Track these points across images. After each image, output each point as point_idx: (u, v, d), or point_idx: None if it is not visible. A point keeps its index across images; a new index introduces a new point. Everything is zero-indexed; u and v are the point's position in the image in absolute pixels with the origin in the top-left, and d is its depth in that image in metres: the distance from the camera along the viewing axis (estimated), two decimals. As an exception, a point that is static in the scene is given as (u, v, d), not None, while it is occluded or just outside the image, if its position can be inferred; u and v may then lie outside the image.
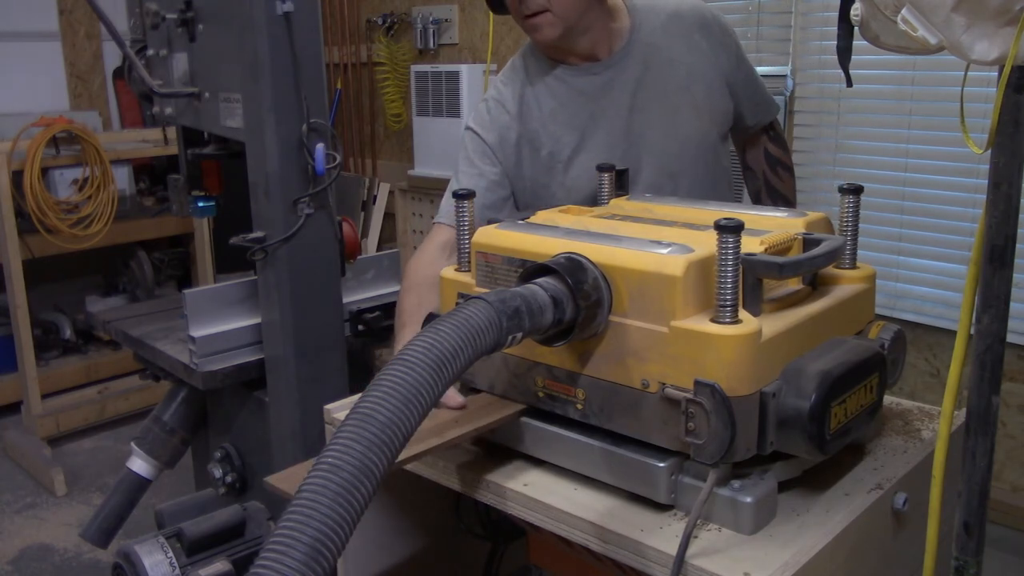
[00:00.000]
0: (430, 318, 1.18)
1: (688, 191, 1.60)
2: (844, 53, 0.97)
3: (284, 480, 0.98)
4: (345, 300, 1.99)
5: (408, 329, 1.39)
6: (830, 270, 1.08)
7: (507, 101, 1.60)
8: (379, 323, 2.09)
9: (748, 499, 0.90)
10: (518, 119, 1.59)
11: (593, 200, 1.32)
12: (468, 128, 1.63)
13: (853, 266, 1.10)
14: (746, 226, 0.87)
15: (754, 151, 1.80)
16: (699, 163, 1.61)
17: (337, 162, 1.76)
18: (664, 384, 0.90)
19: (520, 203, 1.62)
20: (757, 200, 1.81)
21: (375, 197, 4.41)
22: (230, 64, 1.75)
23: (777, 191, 1.79)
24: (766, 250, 0.97)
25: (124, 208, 3.73)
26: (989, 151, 0.81)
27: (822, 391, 0.88)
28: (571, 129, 1.58)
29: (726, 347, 0.86)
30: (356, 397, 0.76)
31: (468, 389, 1.13)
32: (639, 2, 1.62)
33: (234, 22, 1.71)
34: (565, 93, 1.59)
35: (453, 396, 1.09)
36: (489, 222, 1.11)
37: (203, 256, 3.98)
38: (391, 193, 4.39)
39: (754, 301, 0.92)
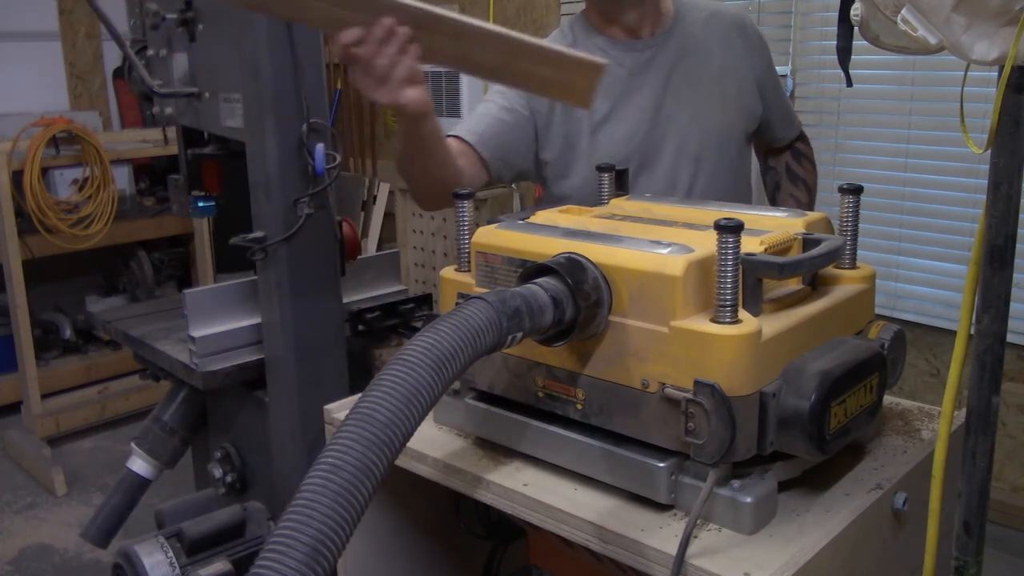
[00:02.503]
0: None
1: (709, 178, 1.65)
2: (844, 53, 0.97)
3: None
4: (345, 300, 1.98)
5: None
6: (830, 270, 1.08)
7: None
8: (379, 323, 2.09)
9: (748, 499, 0.90)
10: None
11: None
12: None
13: (853, 266, 1.09)
14: (746, 226, 0.87)
15: (780, 155, 1.86)
16: (723, 154, 1.67)
17: (337, 162, 1.76)
18: (664, 384, 0.90)
19: (549, 157, 1.65)
20: (776, 188, 1.85)
21: (375, 197, 4.41)
22: (230, 64, 1.75)
23: (798, 176, 1.83)
24: (766, 250, 0.97)
25: (124, 208, 3.73)
26: (989, 151, 0.81)
27: (822, 391, 0.88)
28: (605, 97, 1.62)
29: (726, 347, 0.86)
30: (356, 397, 0.76)
31: (468, 387, 1.13)
32: None
33: (234, 22, 1.71)
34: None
35: None
36: (489, 222, 1.11)
37: (203, 256, 3.98)
38: (391, 193, 4.39)
39: (754, 301, 0.92)
